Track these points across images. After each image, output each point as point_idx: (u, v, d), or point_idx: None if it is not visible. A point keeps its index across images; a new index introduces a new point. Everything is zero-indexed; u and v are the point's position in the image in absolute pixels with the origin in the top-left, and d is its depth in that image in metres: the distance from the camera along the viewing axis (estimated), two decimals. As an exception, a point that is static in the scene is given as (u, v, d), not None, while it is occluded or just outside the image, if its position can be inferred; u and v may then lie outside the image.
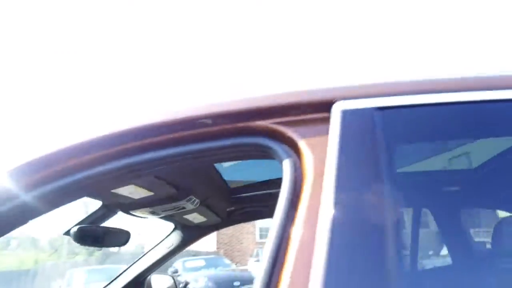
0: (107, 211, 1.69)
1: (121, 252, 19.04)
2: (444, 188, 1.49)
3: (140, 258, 2.08)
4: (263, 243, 16.69)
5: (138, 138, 0.96)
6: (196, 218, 1.98)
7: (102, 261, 17.71)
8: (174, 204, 1.70)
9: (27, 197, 0.90)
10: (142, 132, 0.96)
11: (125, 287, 1.96)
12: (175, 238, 2.13)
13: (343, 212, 0.75)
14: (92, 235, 1.64)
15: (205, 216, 1.98)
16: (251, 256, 15.39)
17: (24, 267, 20.29)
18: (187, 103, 1.00)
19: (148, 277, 2.07)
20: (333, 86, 0.97)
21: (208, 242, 17.31)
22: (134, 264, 2.07)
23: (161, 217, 1.93)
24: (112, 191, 1.41)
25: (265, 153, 0.94)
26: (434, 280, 1.29)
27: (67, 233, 1.58)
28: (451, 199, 1.52)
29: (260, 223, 16.64)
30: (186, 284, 10.23)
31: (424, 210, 1.67)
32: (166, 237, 2.14)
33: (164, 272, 13.21)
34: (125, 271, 2.05)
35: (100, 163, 0.94)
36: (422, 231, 1.59)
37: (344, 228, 0.74)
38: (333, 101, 0.89)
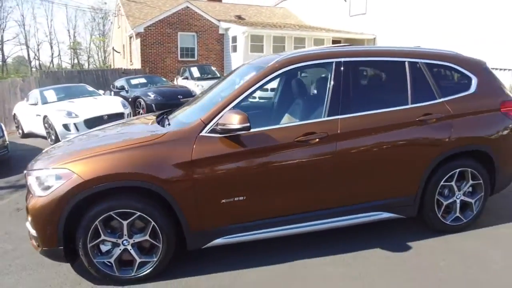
0: None
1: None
2: None
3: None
4: (184, 62, 18.29)
5: None
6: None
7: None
8: None
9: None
10: None
11: None
12: None
13: None
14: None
15: None
16: (178, 74, 16.64)
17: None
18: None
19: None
20: None
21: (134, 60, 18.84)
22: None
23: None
24: None
25: None
26: None
27: None
28: None
29: (181, 43, 18.80)
30: (137, 97, 11.43)
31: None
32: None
33: (107, 88, 13.78)
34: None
35: None
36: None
37: None
38: None
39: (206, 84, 14.47)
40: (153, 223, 2.80)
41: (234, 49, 18.65)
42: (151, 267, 2.87)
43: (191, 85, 13.84)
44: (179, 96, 11.64)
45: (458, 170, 3.37)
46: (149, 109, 11.26)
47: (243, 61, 17.65)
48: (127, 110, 9.27)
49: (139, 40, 17.64)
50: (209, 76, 15.40)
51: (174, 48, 18.27)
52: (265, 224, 3.01)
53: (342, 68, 3.16)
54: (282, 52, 3.58)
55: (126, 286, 2.85)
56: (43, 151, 3.53)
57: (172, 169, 2.76)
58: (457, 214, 3.47)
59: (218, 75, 15.81)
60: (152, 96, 11.34)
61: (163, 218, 2.81)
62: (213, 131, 2.87)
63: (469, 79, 3.52)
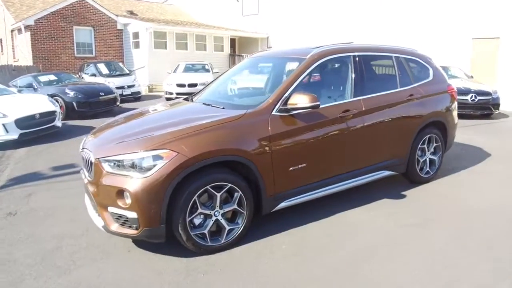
0: None
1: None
2: None
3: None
4: (81, 58, 17.35)
5: None
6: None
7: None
8: None
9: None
10: None
11: None
12: None
13: None
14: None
15: None
16: (81, 70, 15.54)
17: None
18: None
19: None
20: None
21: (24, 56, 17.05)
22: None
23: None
24: None
25: None
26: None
27: None
28: None
29: (77, 38, 17.60)
30: (52, 95, 10.50)
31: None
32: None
33: (7, 85, 11.95)
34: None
35: None
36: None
37: None
38: None
39: (117, 80, 13.96)
40: (240, 192, 3.21)
41: (137, 45, 18.13)
42: (237, 232, 3.28)
43: (101, 82, 13.17)
44: (100, 93, 11.14)
45: (428, 136, 4.62)
46: (68, 108, 10.51)
47: (148, 57, 17.40)
48: (58, 108, 8.67)
49: (28, 33, 15.78)
50: (118, 73, 14.83)
51: (70, 43, 16.90)
52: (316, 186, 3.72)
53: (357, 59, 4.06)
54: (302, 46, 4.39)
55: (217, 253, 3.21)
56: (86, 141, 3.55)
57: (257, 143, 3.26)
58: (428, 168, 4.73)
59: (127, 71, 15.33)
60: (71, 93, 10.60)
61: (247, 187, 3.27)
62: (279, 110, 3.44)
63: (427, 70, 4.81)
